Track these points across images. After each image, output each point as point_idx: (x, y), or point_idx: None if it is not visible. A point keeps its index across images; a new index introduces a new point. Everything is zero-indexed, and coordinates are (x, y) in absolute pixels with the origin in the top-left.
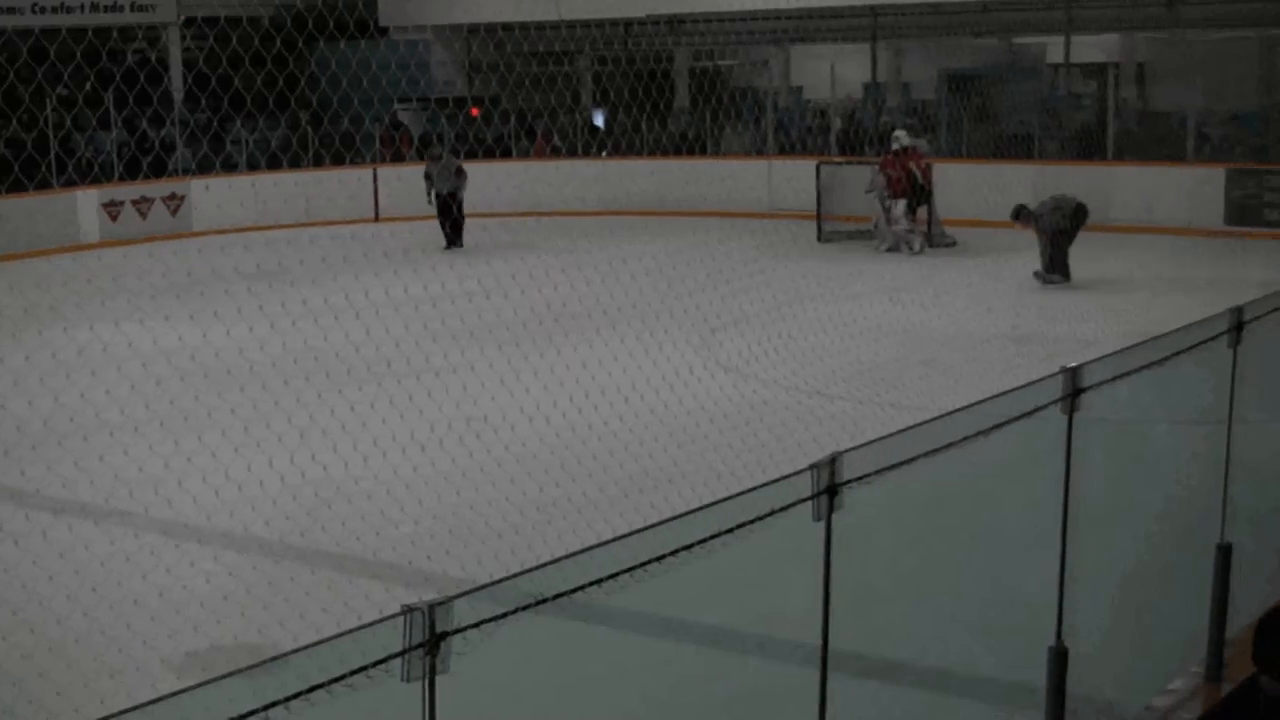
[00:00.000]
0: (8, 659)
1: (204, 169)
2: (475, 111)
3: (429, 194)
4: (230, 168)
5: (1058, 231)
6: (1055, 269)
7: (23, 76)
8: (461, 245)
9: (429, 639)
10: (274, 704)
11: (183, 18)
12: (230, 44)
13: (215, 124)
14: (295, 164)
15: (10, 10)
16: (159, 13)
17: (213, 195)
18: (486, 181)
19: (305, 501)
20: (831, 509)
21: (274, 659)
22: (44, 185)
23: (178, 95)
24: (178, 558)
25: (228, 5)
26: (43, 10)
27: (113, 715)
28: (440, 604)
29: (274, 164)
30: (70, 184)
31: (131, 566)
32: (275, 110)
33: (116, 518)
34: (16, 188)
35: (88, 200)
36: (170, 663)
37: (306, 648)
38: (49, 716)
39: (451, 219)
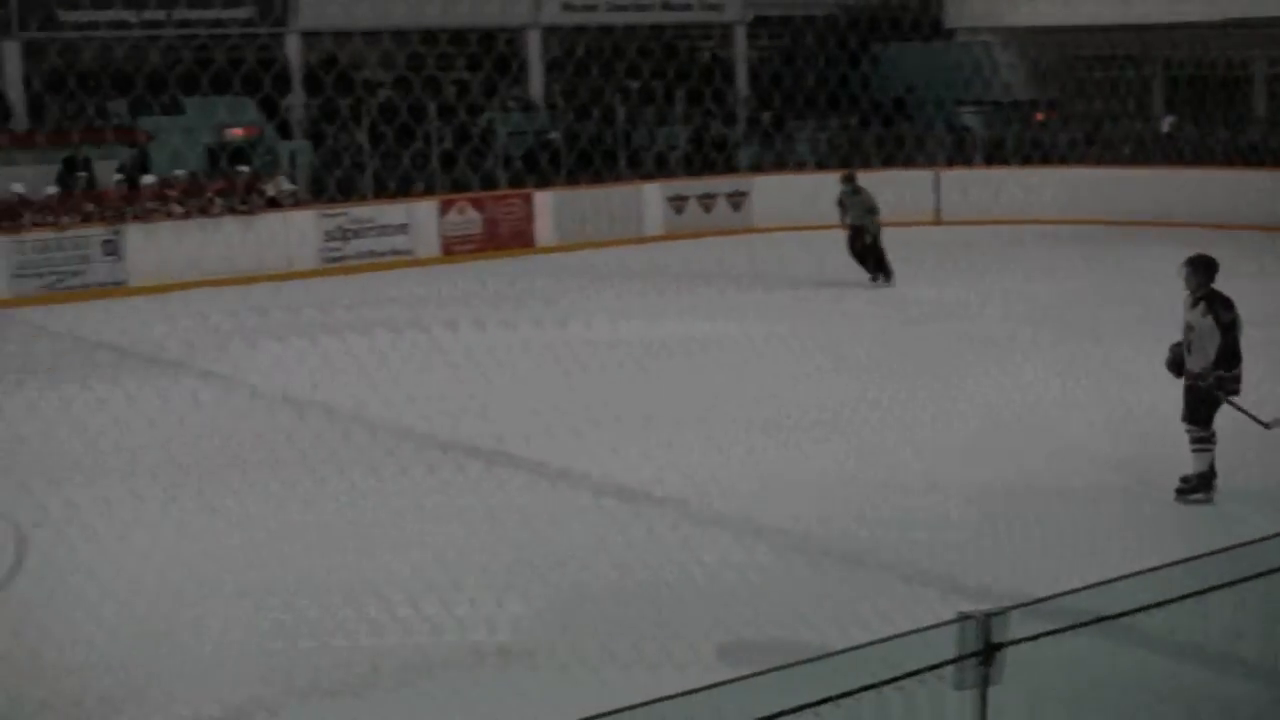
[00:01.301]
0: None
1: (765, 167)
2: (1040, 116)
3: (842, 220)
4: (797, 165)
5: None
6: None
7: (595, 70)
8: (888, 277)
9: (984, 648)
10: (823, 701)
11: (751, 16)
12: (795, 43)
13: (777, 122)
14: (846, 164)
15: (588, 8)
16: (728, 12)
17: (774, 192)
18: (1059, 186)
19: (839, 500)
20: None
21: (822, 657)
22: (613, 178)
23: (743, 93)
24: (711, 548)
25: (793, 5)
26: (620, 8)
27: (644, 703)
28: (996, 614)
29: (833, 163)
30: (641, 177)
31: (666, 554)
32: (836, 109)
33: (651, 503)
34: (595, 180)
35: (654, 193)
36: (701, 654)
37: (859, 648)
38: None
39: (872, 253)
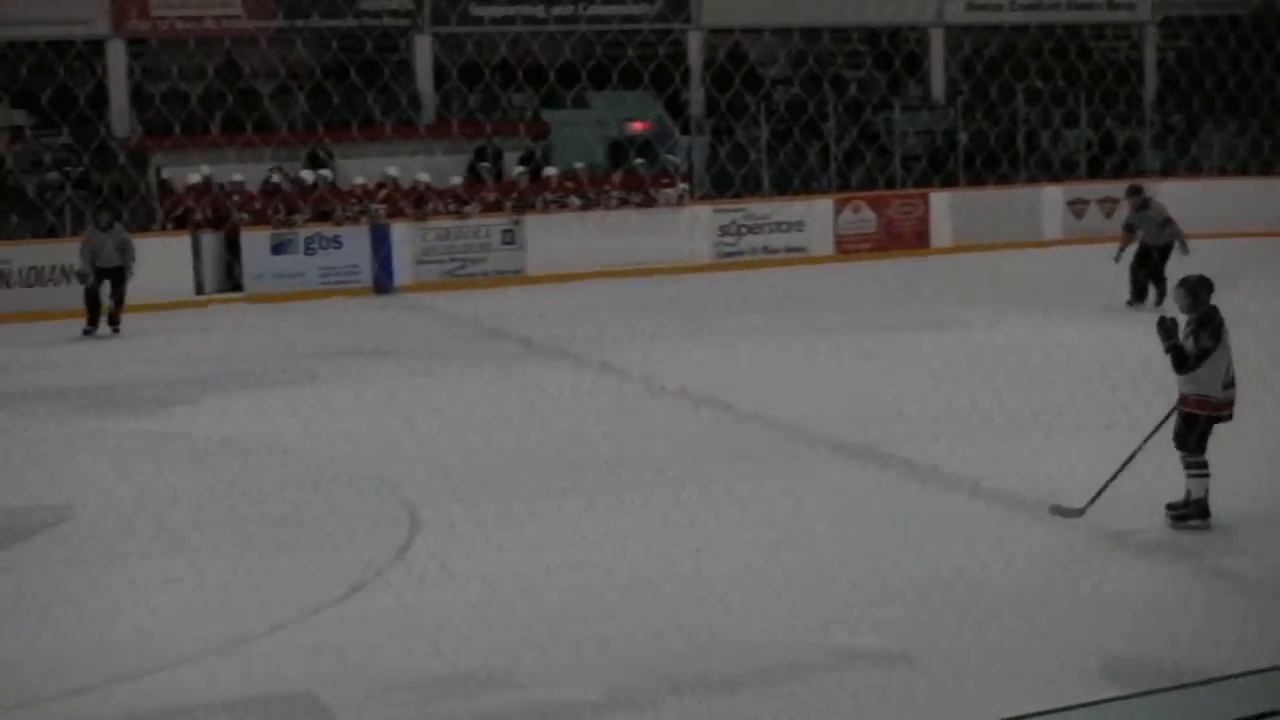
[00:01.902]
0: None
1: (1169, 171)
2: None
3: (1133, 238)
4: (1213, 170)
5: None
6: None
7: (1007, 70)
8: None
9: None
10: None
11: (1162, 16)
12: (1220, 43)
13: (1191, 125)
14: (1266, 170)
15: (993, 7)
16: (1137, 11)
17: (1178, 198)
18: None
19: (1233, 521)
20: None
21: (1211, 680)
22: (1010, 180)
23: (1149, 95)
24: (1102, 560)
25: (1206, 4)
26: (1026, 7)
27: (1025, 716)
28: None
29: (1243, 169)
30: (1044, 179)
31: (1055, 564)
32: (1256, 113)
33: (1043, 513)
34: (1000, 181)
35: (1053, 196)
36: (1087, 669)
37: (1249, 674)
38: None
39: (1157, 271)
